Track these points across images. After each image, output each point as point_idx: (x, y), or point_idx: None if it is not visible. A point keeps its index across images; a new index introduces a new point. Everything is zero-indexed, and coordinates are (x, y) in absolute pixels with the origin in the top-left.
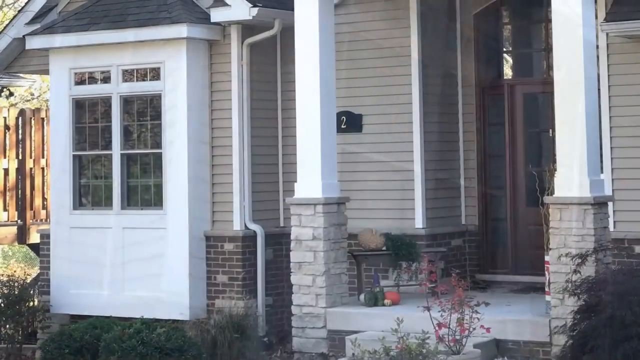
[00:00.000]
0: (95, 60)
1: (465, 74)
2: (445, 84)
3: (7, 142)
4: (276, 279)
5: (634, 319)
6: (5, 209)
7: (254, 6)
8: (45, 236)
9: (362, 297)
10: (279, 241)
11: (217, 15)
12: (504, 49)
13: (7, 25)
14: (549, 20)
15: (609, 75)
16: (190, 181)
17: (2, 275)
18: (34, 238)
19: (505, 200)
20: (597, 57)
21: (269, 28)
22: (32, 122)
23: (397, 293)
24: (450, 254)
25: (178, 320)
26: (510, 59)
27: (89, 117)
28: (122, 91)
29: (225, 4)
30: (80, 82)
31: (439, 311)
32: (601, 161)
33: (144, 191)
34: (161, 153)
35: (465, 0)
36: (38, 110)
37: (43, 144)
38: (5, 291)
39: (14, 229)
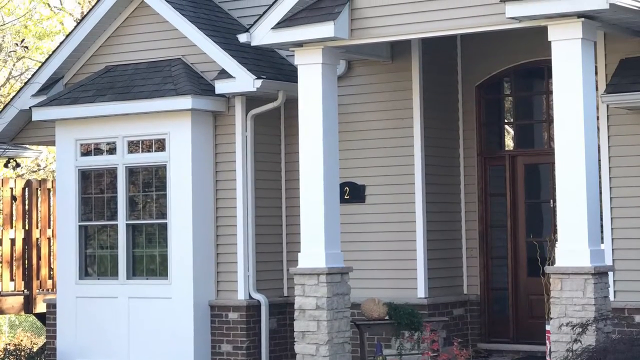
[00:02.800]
0: (101, 132)
1: (467, 145)
2: (447, 154)
3: (14, 212)
4: (280, 348)
5: None
6: (12, 279)
7: (258, 78)
8: (51, 306)
9: None
10: (282, 310)
11: (222, 87)
12: (506, 120)
13: (13, 97)
14: (550, 92)
15: (609, 146)
16: (194, 251)
17: (9, 344)
18: (41, 307)
19: (506, 270)
20: (598, 128)
21: (273, 99)
22: (39, 192)
23: None
24: (452, 323)
25: None
26: (511, 130)
27: (94, 188)
28: (127, 162)
29: (230, 76)
30: (86, 153)
31: None
32: (601, 231)
33: (149, 261)
34: (166, 223)
35: (467, 72)
36: (44, 180)
37: (49, 214)
38: None
39: (20, 299)
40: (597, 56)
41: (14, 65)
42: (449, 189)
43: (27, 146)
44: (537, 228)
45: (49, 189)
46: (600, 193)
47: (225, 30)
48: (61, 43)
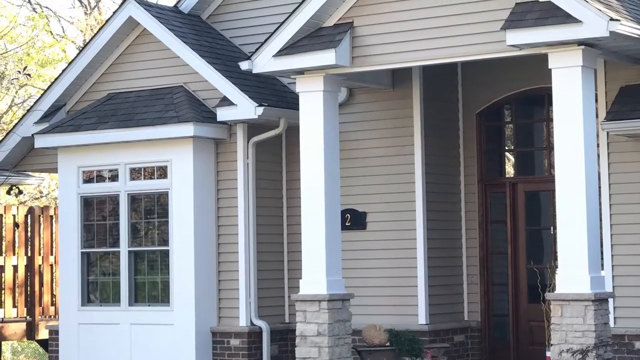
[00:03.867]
0: (103, 159)
1: (467, 172)
2: (448, 181)
3: (17, 239)
4: None
5: None
6: (14, 305)
7: (260, 105)
8: (54, 332)
9: None
10: (284, 337)
11: (223, 114)
12: (506, 147)
13: (16, 124)
14: (551, 119)
15: (609, 174)
16: (196, 278)
17: None
18: (43, 334)
19: (507, 297)
20: (598, 155)
21: (275, 127)
22: (41, 219)
23: None
24: (453, 350)
25: None
26: (512, 157)
27: (97, 215)
28: (129, 189)
29: (231, 104)
30: (88, 180)
31: None
32: (602, 257)
33: (151, 287)
34: (168, 250)
35: (468, 99)
36: (47, 207)
37: (52, 241)
38: None
39: (23, 325)
40: (597, 83)
41: (16, 92)
42: (449, 216)
43: (30, 173)
44: (537, 255)
45: (51, 216)
46: (601, 220)
47: (227, 57)
48: (63, 71)
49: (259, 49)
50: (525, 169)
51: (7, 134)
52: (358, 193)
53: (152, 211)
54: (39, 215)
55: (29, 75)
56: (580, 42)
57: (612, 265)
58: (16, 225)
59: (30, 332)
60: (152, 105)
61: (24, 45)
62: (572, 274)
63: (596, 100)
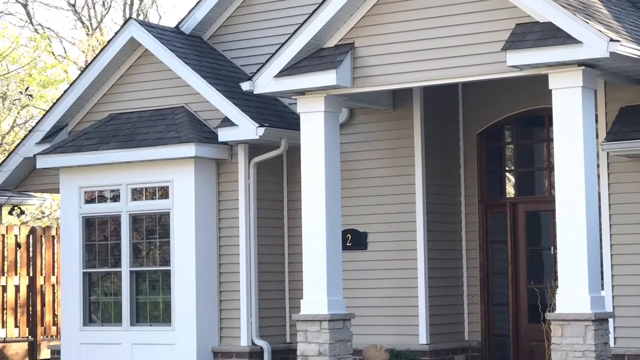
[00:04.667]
0: (105, 179)
1: (468, 192)
2: (449, 201)
3: (19, 259)
4: None
5: None
6: (16, 325)
7: (261, 126)
8: (55, 352)
9: None
10: (285, 357)
11: (225, 134)
12: (507, 168)
13: (18, 144)
14: (551, 140)
15: (609, 194)
16: (198, 298)
17: None
18: (45, 354)
19: (507, 316)
20: (598, 175)
21: (276, 147)
22: (43, 240)
23: None
24: None
25: None
26: (512, 178)
27: (98, 235)
28: (131, 209)
29: (233, 124)
30: (90, 200)
31: None
32: (602, 277)
33: (153, 307)
34: (169, 270)
35: (469, 119)
36: (48, 228)
37: (53, 261)
38: None
39: (25, 345)
40: (598, 104)
41: (18, 113)
42: (450, 236)
43: (32, 193)
44: (538, 275)
45: (53, 236)
46: (601, 240)
47: (228, 78)
48: (65, 91)
49: (260, 70)
50: (525, 189)
51: (9, 155)
52: (359, 213)
53: (154, 231)
54: (41, 236)
55: (30, 96)
56: (580, 63)
57: (612, 285)
58: (18, 245)
59: (32, 352)
60: (154, 125)
61: (26, 66)
62: (572, 294)
63: (596, 121)
